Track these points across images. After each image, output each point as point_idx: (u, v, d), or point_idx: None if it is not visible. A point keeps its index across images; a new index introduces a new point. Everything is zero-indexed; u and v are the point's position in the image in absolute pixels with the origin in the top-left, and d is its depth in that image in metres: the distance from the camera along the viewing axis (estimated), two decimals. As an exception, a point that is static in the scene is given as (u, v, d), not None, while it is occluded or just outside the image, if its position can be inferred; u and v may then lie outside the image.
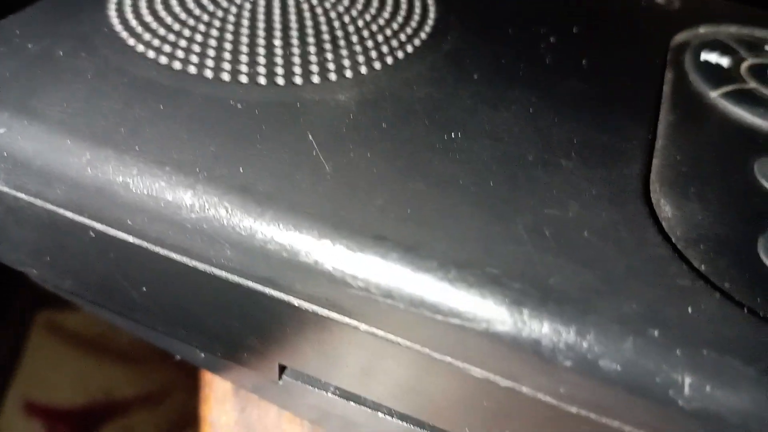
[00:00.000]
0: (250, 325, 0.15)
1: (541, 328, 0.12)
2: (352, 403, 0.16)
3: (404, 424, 0.16)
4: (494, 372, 0.13)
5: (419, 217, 0.13)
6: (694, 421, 0.12)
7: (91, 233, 0.15)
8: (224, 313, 0.15)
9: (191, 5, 0.18)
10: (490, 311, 0.12)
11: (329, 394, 0.16)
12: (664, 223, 0.14)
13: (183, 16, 0.18)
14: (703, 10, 0.22)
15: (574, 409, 0.13)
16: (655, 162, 0.15)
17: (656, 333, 0.12)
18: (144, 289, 0.15)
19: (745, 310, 0.12)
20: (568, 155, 0.15)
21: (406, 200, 0.13)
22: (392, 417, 0.16)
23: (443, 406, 0.15)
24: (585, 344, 0.12)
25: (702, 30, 0.21)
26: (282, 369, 0.16)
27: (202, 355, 0.18)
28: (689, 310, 0.12)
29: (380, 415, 0.16)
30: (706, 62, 0.19)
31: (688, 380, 0.11)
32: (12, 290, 0.36)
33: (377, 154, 0.14)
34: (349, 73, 0.17)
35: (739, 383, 0.11)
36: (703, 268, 0.13)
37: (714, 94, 0.18)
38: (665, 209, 0.14)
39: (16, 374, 0.37)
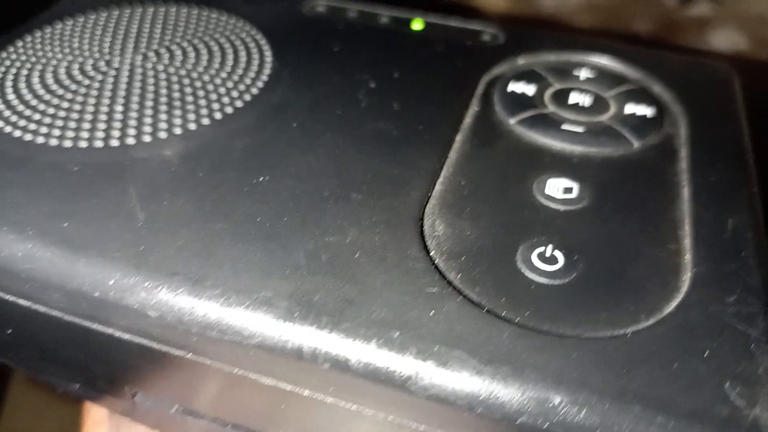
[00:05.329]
0: (94, 356, 0.17)
1: (301, 338, 0.14)
2: (195, 418, 0.18)
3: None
4: (277, 378, 0.15)
5: (212, 253, 0.16)
6: (432, 405, 0.14)
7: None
8: (71, 347, 0.17)
9: (50, 81, 0.21)
10: (262, 328, 0.14)
11: (174, 412, 0.18)
12: (432, 241, 0.16)
13: (41, 92, 0.20)
14: (525, 42, 0.24)
15: (349, 405, 0.15)
16: (439, 188, 0.18)
17: (397, 334, 0.14)
18: (9, 331, 0.18)
19: (484, 310, 0.15)
20: (359, 189, 0.18)
21: (204, 239, 0.16)
22: (227, 427, 0.18)
23: (255, 411, 0.17)
24: (337, 348, 0.14)
25: (520, 61, 0.24)
26: (134, 393, 0.18)
27: (77, 386, 0.20)
28: (431, 313, 0.15)
29: (223, 428, 0.18)
30: (512, 92, 0.22)
31: (420, 372, 0.14)
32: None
33: (188, 201, 0.17)
34: (178, 131, 0.19)
35: (463, 371, 0.14)
36: (458, 277, 0.16)
37: (512, 121, 0.21)
38: (438, 228, 0.17)
39: (-2, 427, 0.39)
